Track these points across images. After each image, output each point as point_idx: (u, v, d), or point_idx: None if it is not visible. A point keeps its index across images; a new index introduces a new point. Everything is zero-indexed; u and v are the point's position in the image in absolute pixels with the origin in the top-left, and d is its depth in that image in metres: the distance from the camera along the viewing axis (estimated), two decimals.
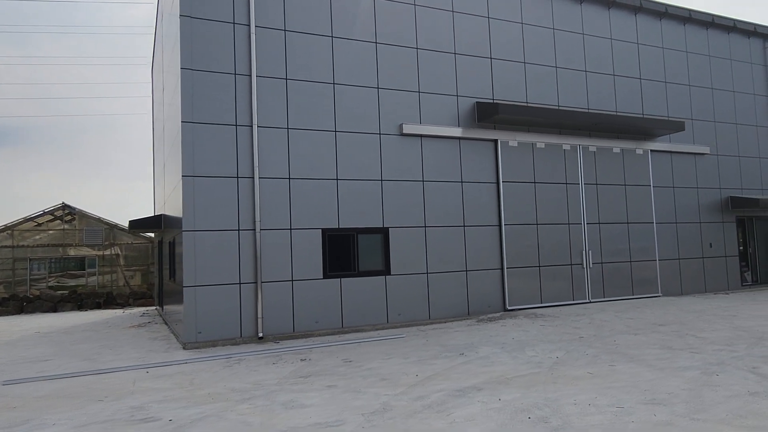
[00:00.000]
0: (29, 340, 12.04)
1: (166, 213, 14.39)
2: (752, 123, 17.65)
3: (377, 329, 11.35)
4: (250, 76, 10.69)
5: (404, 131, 12.02)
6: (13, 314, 18.09)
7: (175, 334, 11.56)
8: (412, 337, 10.39)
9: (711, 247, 16.35)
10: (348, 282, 11.29)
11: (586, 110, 14.35)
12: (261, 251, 10.49)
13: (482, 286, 12.69)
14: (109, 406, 6.31)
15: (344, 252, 11.37)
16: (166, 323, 13.96)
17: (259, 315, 10.35)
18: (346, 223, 11.39)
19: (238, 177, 10.50)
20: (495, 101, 13.09)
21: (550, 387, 6.45)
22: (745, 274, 17.43)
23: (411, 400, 6.12)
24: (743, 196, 16.87)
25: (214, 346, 9.99)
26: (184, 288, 9.94)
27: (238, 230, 10.43)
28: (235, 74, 10.60)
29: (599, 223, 14.35)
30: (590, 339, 9.41)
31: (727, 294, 15.75)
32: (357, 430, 5.18)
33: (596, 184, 14.45)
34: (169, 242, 13.02)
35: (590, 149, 14.47)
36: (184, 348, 9.91)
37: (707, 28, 17.03)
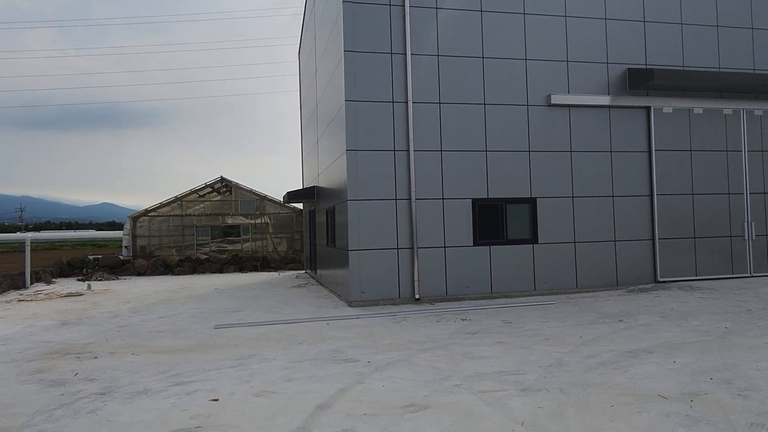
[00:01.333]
0: (214, 296, 13.97)
1: (320, 185, 15.71)
2: None
3: (524, 295, 11.73)
4: (405, 54, 11.32)
5: (552, 102, 12.05)
6: (188, 274, 20.81)
7: (335, 294, 12.80)
8: (562, 304, 10.66)
9: None
10: (497, 250, 11.75)
11: (752, 71, 13.31)
12: (416, 219, 11.25)
13: (631, 257, 12.51)
14: (311, 348, 7.41)
15: (493, 221, 11.81)
16: (321, 284, 15.39)
17: (416, 278, 11.17)
18: (495, 193, 11.79)
19: (394, 150, 11.28)
20: (648, 66, 12.61)
21: (726, 353, 6.49)
22: None
23: (583, 358, 6.51)
24: None
25: (375, 305, 10.99)
26: (349, 252, 11.00)
27: (395, 200, 11.26)
28: (391, 53, 11.30)
29: (765, 193, 13.38)
30: (760, 312, 9.08)
31: None
32: (540, 379, 5.70)
33: (762, 150, 13.44)
34: (327, 211, 14.27)
35: (755, 113, 13.45)
36: (349, 305, 11.02)
37: None
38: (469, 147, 11.68)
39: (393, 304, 11.06)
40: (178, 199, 25.22)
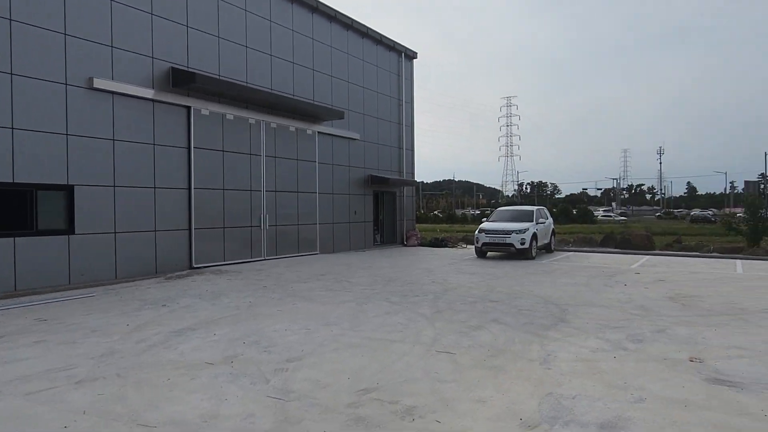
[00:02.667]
0: None
1: None
2: (388, 119, 22.56)
3: (58, 290, 10.85)
4: None
5: (95, 85, 11.56)
6: None
7: None
8: (103, 295, 10.46)
9: (355, 214, 20.48)
10: (23, 241, 10.45)
11: (270, 90, 16.16)
12: None
13: (170, 246, 13.30)
14: None
15: (19, 209, 10.43)
16: None
17: None
18: (23, 178, 10.45)
19: None
20: (190, 69, 13.63)
21: (252, 322, 8.00)
22: (376, 235, 22.41)
23: (134, 343, 6.80)
24: (379, 175, 21.56)
25: None
26: None
27: None
28: None
29: (276, 191, 16.50)
30: (272, 287, 11.33)
31: (364, 251, 20.10)
32: (94, 369, 5.71)
33: (275, 156, 16.52)
34: None
35: (272, 125, 16.41)
36: None
37: (363, 38, 20.90)
38: None
39: None
40: None
